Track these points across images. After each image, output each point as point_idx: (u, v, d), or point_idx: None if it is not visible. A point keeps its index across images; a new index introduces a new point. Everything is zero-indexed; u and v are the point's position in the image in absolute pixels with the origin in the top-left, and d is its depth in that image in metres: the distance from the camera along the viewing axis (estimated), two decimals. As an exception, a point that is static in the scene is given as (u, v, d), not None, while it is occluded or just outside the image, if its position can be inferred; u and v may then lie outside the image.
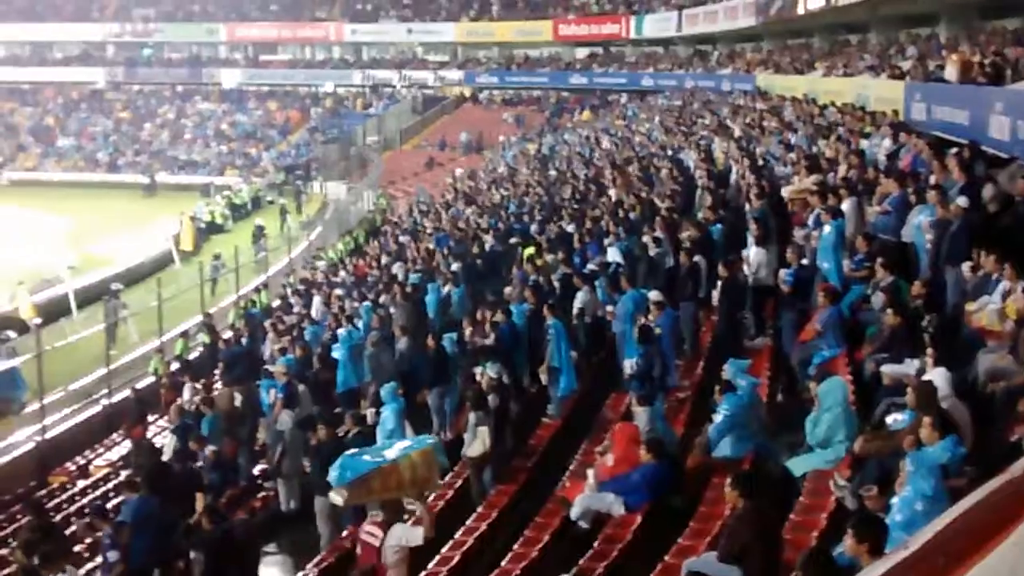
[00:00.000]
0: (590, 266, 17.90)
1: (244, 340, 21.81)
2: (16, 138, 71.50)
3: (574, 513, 10.75)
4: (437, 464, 10.14)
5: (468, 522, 11.53)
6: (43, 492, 17.79)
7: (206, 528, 11.26)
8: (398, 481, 9.47)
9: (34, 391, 21.39)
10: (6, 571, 10.94)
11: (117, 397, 21.84)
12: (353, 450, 10.18)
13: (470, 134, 58.55)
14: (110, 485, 17.60)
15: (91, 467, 19.45)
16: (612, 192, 24.69)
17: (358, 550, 10.10)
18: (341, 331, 18.43)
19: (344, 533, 12.82)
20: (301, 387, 16.37)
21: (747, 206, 17.55)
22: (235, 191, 53.01)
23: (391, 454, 9.71)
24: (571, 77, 65.05)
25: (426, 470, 9.65)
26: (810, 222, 14.99)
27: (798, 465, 10.02)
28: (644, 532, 10.10)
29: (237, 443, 16.51)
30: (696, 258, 15.42)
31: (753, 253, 15.30)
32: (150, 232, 42.95)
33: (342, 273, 28.79)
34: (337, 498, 9.77)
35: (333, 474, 9.46)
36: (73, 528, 14.41)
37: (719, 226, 17.19)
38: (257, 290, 30.89)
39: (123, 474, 17.60)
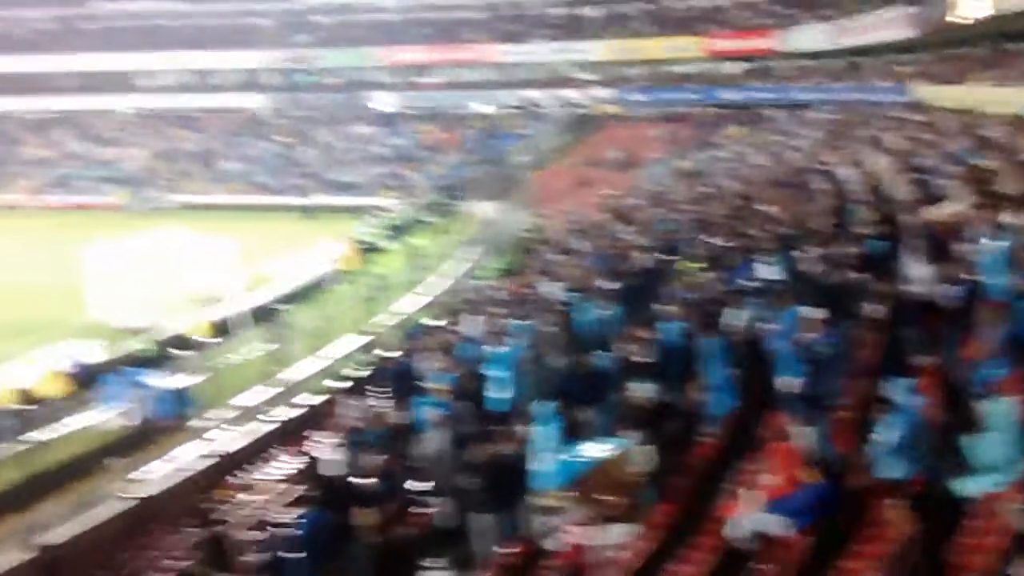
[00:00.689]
0: (746, 283, 17.73)
1: (403, 358, 22.20)
2: (182, 163, 74.39)
3: (733, 532, 10.68)
4: (635, 465, 10.32)
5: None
6: (211, 506, 18.42)
7: (370, 541, 11.58)
8: (608, 481, 9.71)
9: (203, 408, 22.29)
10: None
11: (283, 414, 22.51)
12: (557, 455, 10.45)
13: (620, 152, 58.50)
14: (276, 500, 18.15)
15: (258, 482, 20.05)
16: (766, 208, 24.42)
17: (562, 550, 10.25)
18: (496, 349, 18.62)
19: (502, 550, 12.97)
20: (458, 405, 16.61)
21: (906, 221, 17.19)
22: (392, 212, 54.08)
23: (597, 454, 9.93)
24: (721, 92, 64.45)
25: (627, 470, 9.86)
26: (974, 237, 14.59)
27: (966, 487, 9.77)
28: (807, 553, 9.98)
29: (398, 459, 16.81)
30: (856, 274, 15.16)
31: (915, 269, 14.97)
32: (312, 252, 44.20)
33: (496, 292, 29.11)
34: (552, 501, 10.01)
35: (545, 478, 9.72)
36: (241, 540, 14.89)
37: (878, 242, 16.87)
38: (416, 309, 31.47)
39: (289, 489, 18.17)
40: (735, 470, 12.55)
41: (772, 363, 15.09)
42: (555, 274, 27.68)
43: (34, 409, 22.73)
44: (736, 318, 15.79)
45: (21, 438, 17.69)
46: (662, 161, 50.94)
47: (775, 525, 10.38)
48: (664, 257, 23.10)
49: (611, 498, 10.17)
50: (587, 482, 9.75)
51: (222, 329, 31.32)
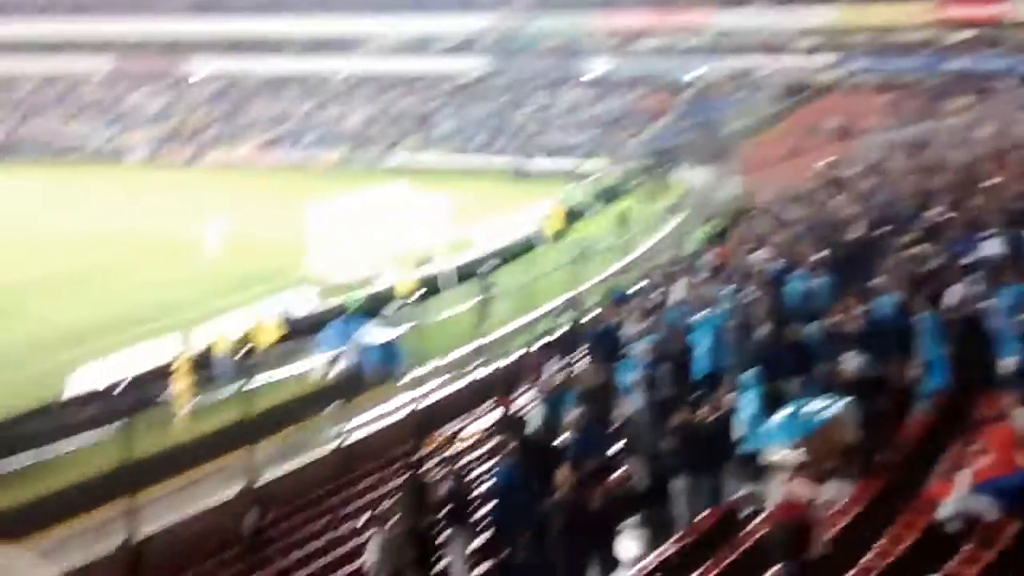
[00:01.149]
0: (967, 258, 17.02)
1: (606, 321, 22.24)
2: (400, 124, 76.22)
3: (943, 514, 10.32)
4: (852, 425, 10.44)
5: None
6: (418, 456, 18.93)
7: (566, 498, 11.69)
8: (829, 441, 9.75)
9: (412, 362, 22.91)
10: (388, 525, 11.73)
11: (487, 370, 22.91)
12: (784, 411, 10.48)
13: (839, 120, 56.78)
14: (478, 452, 18.55)
15: (461, 434, 20.50)
16: (993, 181, 23.30)
17: (779, 506, 10.22)
18: (700, 316, 18.44)
19: (701, 515, 12.90)
20: (660, 369, 16.55)
21: None
22: (602, 176, 54.12)
23: (822, 413, 9.96)
24: (949, 61, 61.59)
25: (847, 432, 9.76)
26: None
27: None
28: (1015, 538, 9.57)
29: (597, 420, 16.88)
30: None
31: None
32: (521, 214, 44.72)
33: (705, 258, 28.76)
34: (782, 457, 10.06)
35: (772, 436, 9.78)
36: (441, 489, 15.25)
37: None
38: (621, 272, 31.47)
39: (491, 442, 18.52)
40: (946, 450, 12.12)
41: (991, 342, 14.47)
42: (764, 243, 27.17)
43: (254, 355, 23.81)
44: (955, 294, 15.20)
45: (241, 382, 18.56)
46: (882, 131, 49.21)
47: (984, 506, 9.99)
48: (880, 229, 22.38)
49: (831, 458, 10.17)
50: (813, 440, 9.76)
51: (431, 286, 32.09)
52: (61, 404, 22.06)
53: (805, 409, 10.75)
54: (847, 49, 67.78)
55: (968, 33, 64.06)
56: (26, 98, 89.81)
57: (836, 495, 9.53)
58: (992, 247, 17.12)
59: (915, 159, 33.97)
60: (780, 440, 9.78)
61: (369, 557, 11.47)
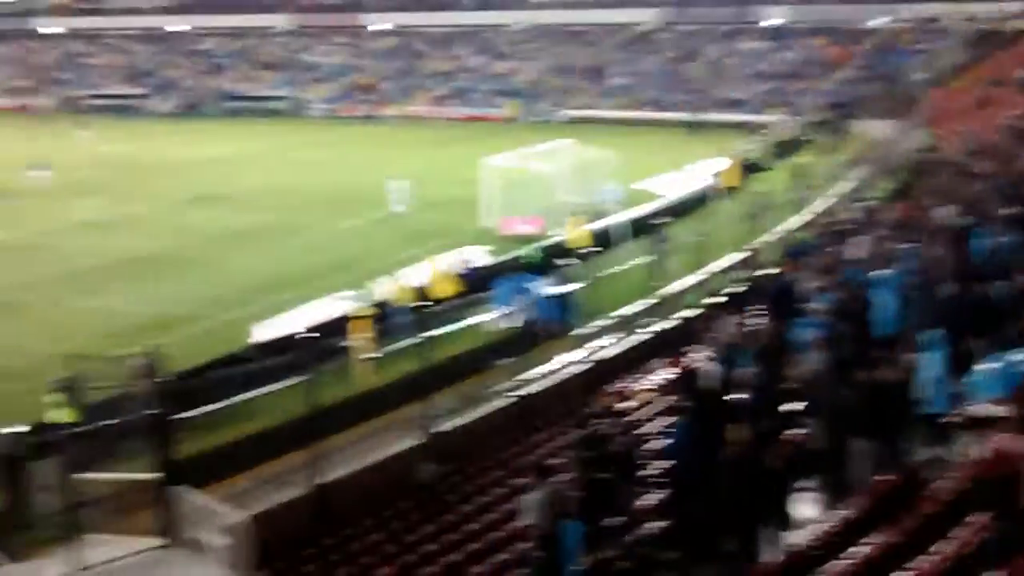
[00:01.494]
0: None
1: (783, 277, 21.87)
2: (572, 78, 76.07)
3: None
4: None
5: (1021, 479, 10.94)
6: (589, 411, 19.01)
7: (739, 457, 11.61)
8: None
9: (584, 315, 23.01)
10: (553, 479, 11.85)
11: (660, 326, 22.83)
12: (988, 364, 10.34)
13: (1031, 70, 54.17)
14: (650, 409, 18.55)
15: (633, 391, 20.50)
16: None
17: (988, 459, 10.07)
18: (882, 273, 17.96)
19: (880, 477, 12.64)
20: (840, 327, 16.21)
21: None
22: (777, 129, 53.04)
23: None
24: None
25: None
26: None
27: None
28: None
29: (773, 378, 16.67)
30: None
31: None
32: (695, 168, 44.25)
33: (885, 214, 27.96)
34: (988, 410, 9.98)
35: (978, 389, 9.69)
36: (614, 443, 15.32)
37: None
38: (798, 228, 30.87)
39: (663, 400, 18.50)
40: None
41: None
42: (950, 197, 26.25)
43: (431, 307, 24.29)
44: None
45: (419, 333, 18.97)
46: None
47: None
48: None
49: None
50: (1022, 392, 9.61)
51: (604, 240, 32.08)
52: (248, 353, 22.91)
53: (1013, 360, 10.36)
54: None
55: None
56: (210, 54, 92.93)
57: None
58: None
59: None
60: (987, 393, 9.46)
61: (526, 510, 11.59)
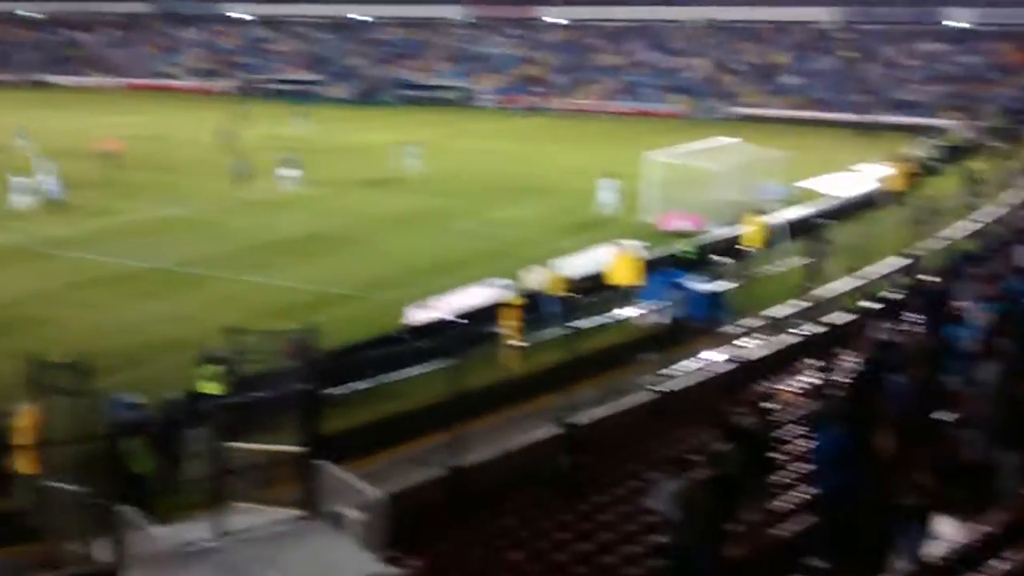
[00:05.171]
0: None
1: (943, 284, 21.21)
2: (744, 75, 75.03)
3: None
4: None
5: None
6: (732, 409, 18.73)
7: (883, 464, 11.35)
8: None
9: (735, 314, 22.72)
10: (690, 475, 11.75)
11: (812, 329, 22.38)
12: None
13: None
14: (796, 412, 18.22)
15: (778, 391, 20.15)
16: None
17: None
18: (1050, 284, 17.25)
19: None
20: (1001, 337, 15.64)
21: None
22: (951, 134, 51.34)
23: None
24: None
25: None
26: None
27: None
28: None
29: (925, 385, 16.19)
30: None
31: None
32: (862, 171, 43.17)
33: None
34: None
35: None
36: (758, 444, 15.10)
37: None
38: (965, 235, 29.85)
39: (810, 402, 18.16)
40: None
41: None
42: None
43: (581, 298, 24.31)
44: None
45: (566, 324, 19.03)
46: None
47: None
48: None
49: None
50: None
51: (765, 240, 31.57)
52: (400, 335, 23.34)
53: None
54: None
55: None
56: (388, 43, 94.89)
57: None
58: None
59: None
60: None
61: (659, 503, 11.54)
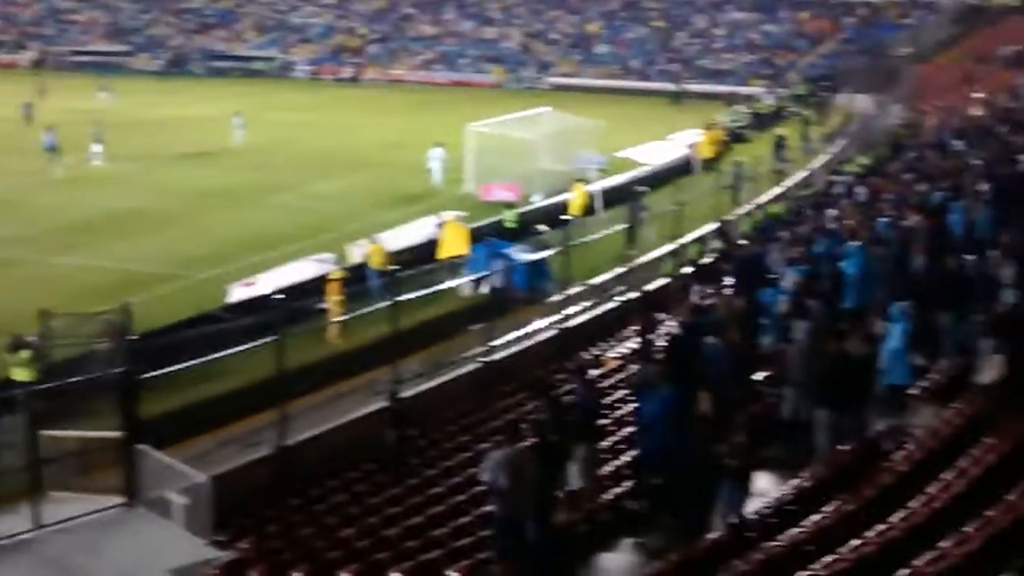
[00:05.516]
0: None
1: (755, 248, 21.91)
2: (558, 45, 75.81)
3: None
4: None
5: (975, 451, 11.01)
6: (556, 377, 18.96)
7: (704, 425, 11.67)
8: None
9: (558, 282, 23.00)
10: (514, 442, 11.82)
11: (631, 295, 22.85)
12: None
13: (1014, 48, 54.11)
14: (618, 376, 18.60)
15: (603, 357, 20.53)
16: None
17: None
18: (855, 245, 17.99)
19: (842, 447, 12.70)
20: (809, 298, 16.24)
21: None
22: (760, 101, 53.03)
23: None
24: None
25: None
26: None
27: None
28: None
29: (741, 346, 16.67)
30: None
31: None
32: (676, 138, 44.21)
33: (860, 188, 28.00)
34: None
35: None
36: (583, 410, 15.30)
37: None
38: (774, 200, 30.91)
39: (632, 367, 18.54)
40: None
41: None
42: (927, 173, 26.33)
43: (403, 271, 24.16)
44: None
45: (391, 297, 18.89)
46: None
47: None
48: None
49: None
50: None
51: (587, 208, 31.99)
52: (220, 313, 22.85)
53: None
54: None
55: None
56: (196, 12, 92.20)
57: None
58: None
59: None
60: None
61: (486, 473, 11.60)
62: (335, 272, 24.21)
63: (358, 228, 29.71)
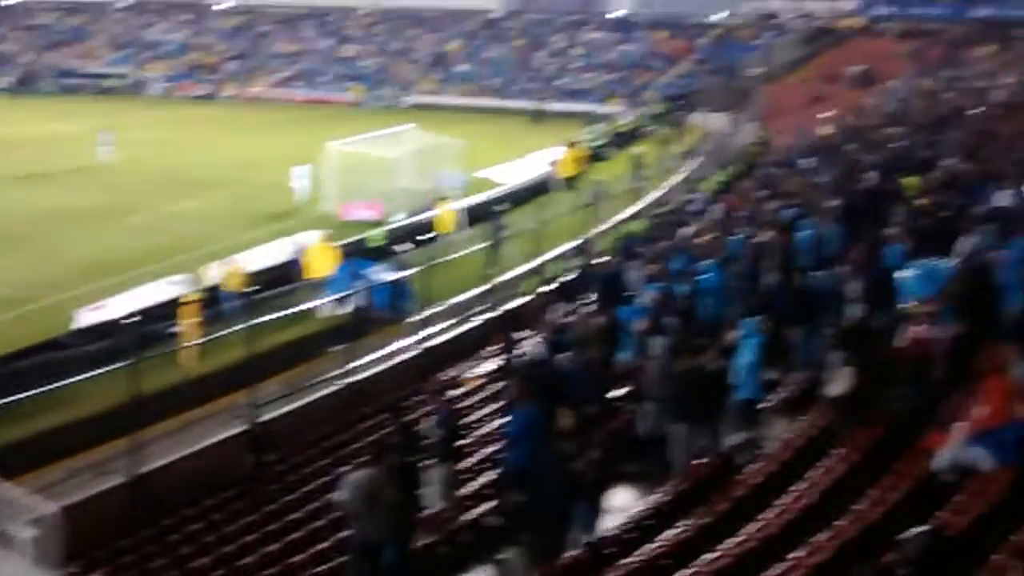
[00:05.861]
0: (980, 209, 16.89)
1: (613, 265, 22.13)
2: (418, 63, 75.75)
3: (939, 464, 10.27)
4: None
5: (824, 463, 11.27)
6: (418, 397, 18.85)
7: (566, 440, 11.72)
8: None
9: (420, 302, 22.88)
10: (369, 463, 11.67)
11: (493, 312, 22.86)
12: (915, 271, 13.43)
13: (860, 68, 56.11)
14: (481, 395, 18.58)
15: (464, 377, 20.49)
16: (1010, 132, 23.04)
17: (909, 344, 12.38)
18: (709, 262, 18.33)
19: (697, 462, 12.89)
20: (665, 314, 16.48)
21: None
22: (617, 120, 53.82)
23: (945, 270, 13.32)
24: (975, 9, 60.90)
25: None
26: None
27: None
28: (1014, 490, 9.50)
29: (600, 363, 16.83)
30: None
31: None
32: (536, 157, 44.52)
33: (716, 205, 28.57)
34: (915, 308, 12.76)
35: (911, 289, 13.10)
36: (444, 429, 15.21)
37: None
38: (632, 218, 31.32)
39: (495, 385, 18.55)
40: (948, 400, 12.03)
41: (998, 292, 14.33)
42: (778, 190, 26.98)
43: (261, 292, 23.73)
44: (965, 245, 15.06)
45: (249, 319, 18.51)
46: (904, 79, 48.57)
47: (978, 457, 9.92)
48: (894, 178, 22.21)
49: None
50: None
51: (453, 226, 31.92)
52: (68, 338, 22.13)
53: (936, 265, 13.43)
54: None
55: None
56: (46, 29, 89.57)
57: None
58: (1004, 199, 16.97)
59: (935, 109, 33.57)
60: (915, 292, 12.89)
61: (342, 496, 11.44)
62: (190, 294, 23.66)
63: (215, 249, 29.07)
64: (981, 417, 10.32)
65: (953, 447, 10.26)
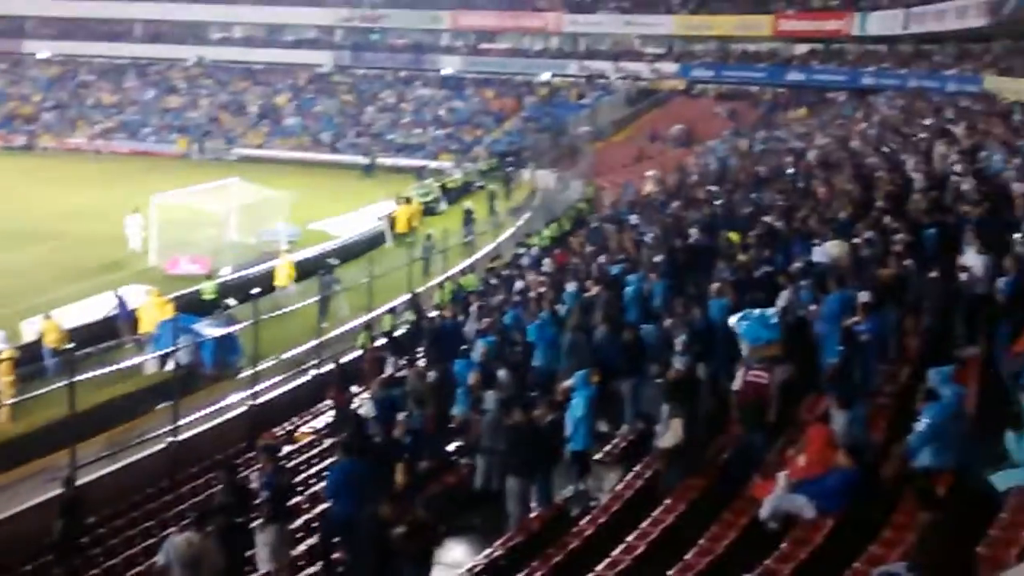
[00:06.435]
0: (796, 264, 17.58)
1: (446, 320, 22.22)
2: (246, 116, 74.82)
3: (763, 513, 10.59)
4: None
5: (655, 513, 11.48)
6: (246, 455, 18.45)
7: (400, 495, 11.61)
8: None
9: (249, 357, 22.45)
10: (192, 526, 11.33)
11: (325, 368, 22.59)
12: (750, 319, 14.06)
13: (682, 128, 58.00)
14: (313, 451, 18.31)
15: (296, 433, 20.19)
16: (824, 191, 24.11)
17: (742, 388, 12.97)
18: (540, 316, 18.56)
19: (532, 514, 12.96)
20: (498, 368, 16.60)
21: (965, 212, 16.92)
22: (448, 175, 54.21)
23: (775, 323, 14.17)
24: (789, 73, 63.85)
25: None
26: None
27: (1002, 480, 9.57)
28: (835, 537, 9.87)
29: (433, 417, 16.84)
30: (907, 262, 14.93)
31: (970, 260, 14.71)
32: (367, 211, 44.41)
33: (546, 260, 29.01)
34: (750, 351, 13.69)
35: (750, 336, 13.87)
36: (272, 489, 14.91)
37: (933, 230, 16.61)
38: (463, 272, 31.49)
39: (327, 441, 18.33)
40: (771, 450, 12.44)
41: (816, 345, 14.93)
42: (606, 245, 27.57)
43: (81, 349, 22.93)
44: (783, 299, 15.66)
45: (68, 377, 17.80)
46: (723, 139, 50.36)
47: (800, 506, 10.27)
48: (716, 234, 22.96)
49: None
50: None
51: (290, 279, 31.44)
52: None
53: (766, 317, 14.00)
54: (691, 58, 69.47)
55: (806, 47, 66.26)
56: None
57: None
58: (820, 254, 17.70)
59: (753, 168, 34.86)
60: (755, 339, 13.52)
61: (160, 559, 11.06)
62: (5, 351, 22.65)
63: (33, 304, 27.93)
64: (802, 466, 10.72)
65: (777, 496, 10.61)
